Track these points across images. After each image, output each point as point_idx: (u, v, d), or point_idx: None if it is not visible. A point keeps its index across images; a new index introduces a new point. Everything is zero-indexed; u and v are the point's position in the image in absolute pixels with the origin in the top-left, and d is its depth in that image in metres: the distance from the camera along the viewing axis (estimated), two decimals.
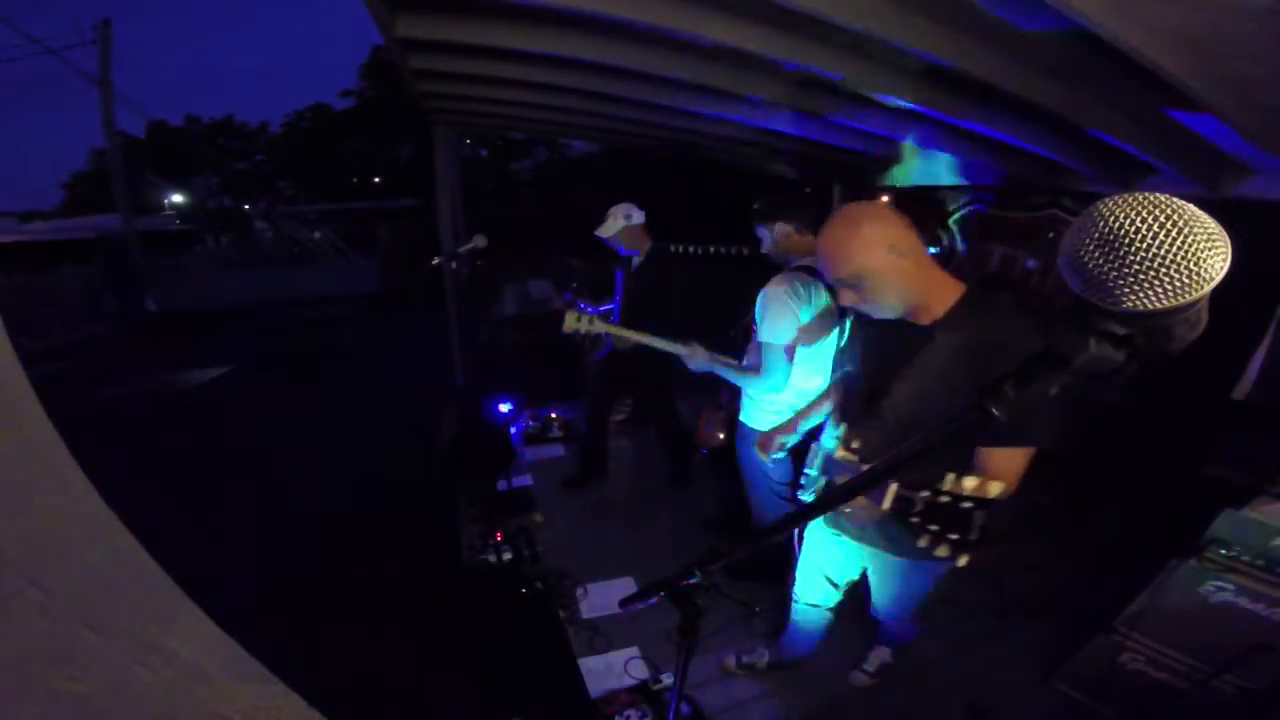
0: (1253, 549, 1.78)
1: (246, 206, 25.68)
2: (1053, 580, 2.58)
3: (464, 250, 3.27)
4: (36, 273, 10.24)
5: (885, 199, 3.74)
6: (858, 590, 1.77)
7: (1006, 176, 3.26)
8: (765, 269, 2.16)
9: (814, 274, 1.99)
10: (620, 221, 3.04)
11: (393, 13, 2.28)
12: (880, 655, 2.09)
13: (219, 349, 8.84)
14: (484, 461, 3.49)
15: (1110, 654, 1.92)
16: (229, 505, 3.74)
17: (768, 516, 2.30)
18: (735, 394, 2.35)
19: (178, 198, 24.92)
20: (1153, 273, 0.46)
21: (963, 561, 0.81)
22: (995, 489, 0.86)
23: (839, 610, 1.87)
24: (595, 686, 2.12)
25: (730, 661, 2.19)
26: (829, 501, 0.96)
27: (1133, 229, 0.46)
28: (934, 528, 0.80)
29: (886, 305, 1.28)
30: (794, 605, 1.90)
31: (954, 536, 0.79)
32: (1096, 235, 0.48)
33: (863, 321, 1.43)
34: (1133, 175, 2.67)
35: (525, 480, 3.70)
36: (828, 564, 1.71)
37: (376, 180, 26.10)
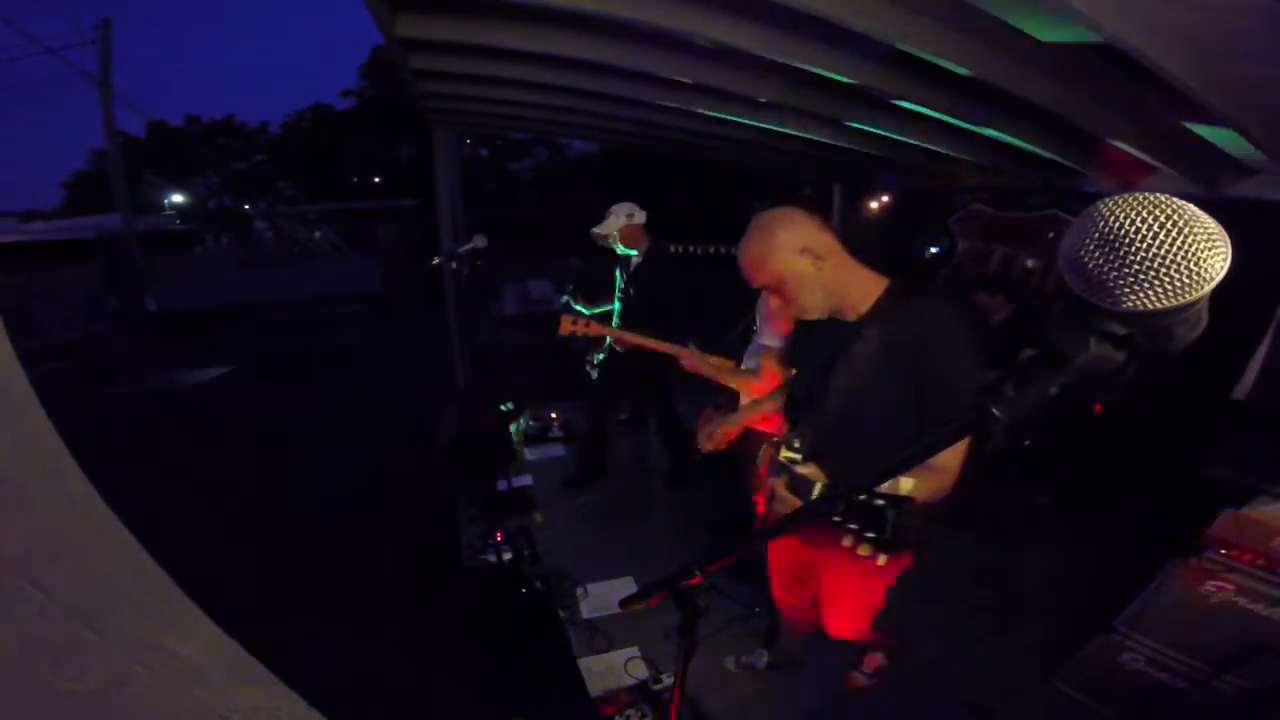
0: (1253, 549, 1.78)
1: (246, 206, 25.66)
2: (1053, 580, 2.57)
3: (464, 250, 3.27)
4: (36, 273, 10.24)
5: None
6: None
7: (1006, 176, 3.26)
8: None
9: None
10: (621, 219, 3.04)
11: (393, 13, 2.28)
12: (874, 660, 2.08)
13: (219, 349, 8.84)
14: (484, 461, 3.50)
15: (1110, 654, 1.92)
16: (229, 505, 3.73)
17: None
18: (734, 394, 2.35)
19: (178, 198, 24.90)
20: (1153, 273, 0.46)
21: (882, 561, 0.82)
22: (906, 486, 0.86)
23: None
24: (595, 686, 2.12)
25: (730, 662, 2.19)
26: (823, 506, 0.96)
27: (1133, 229, 0.46)
28: (854, 526, 0.81)
29: (811, 306, 1.31)
30: (777, 607, 1.91)
31: (870, 535, 0.79)
32: (1096, 235, 0.48)
33: (802, 322, 1.45)
34: (1132, 175, 2.67)
35: (525, 480, 3.70)
36: (792, 564, 1.72)
37: (376, 180, 26.10)
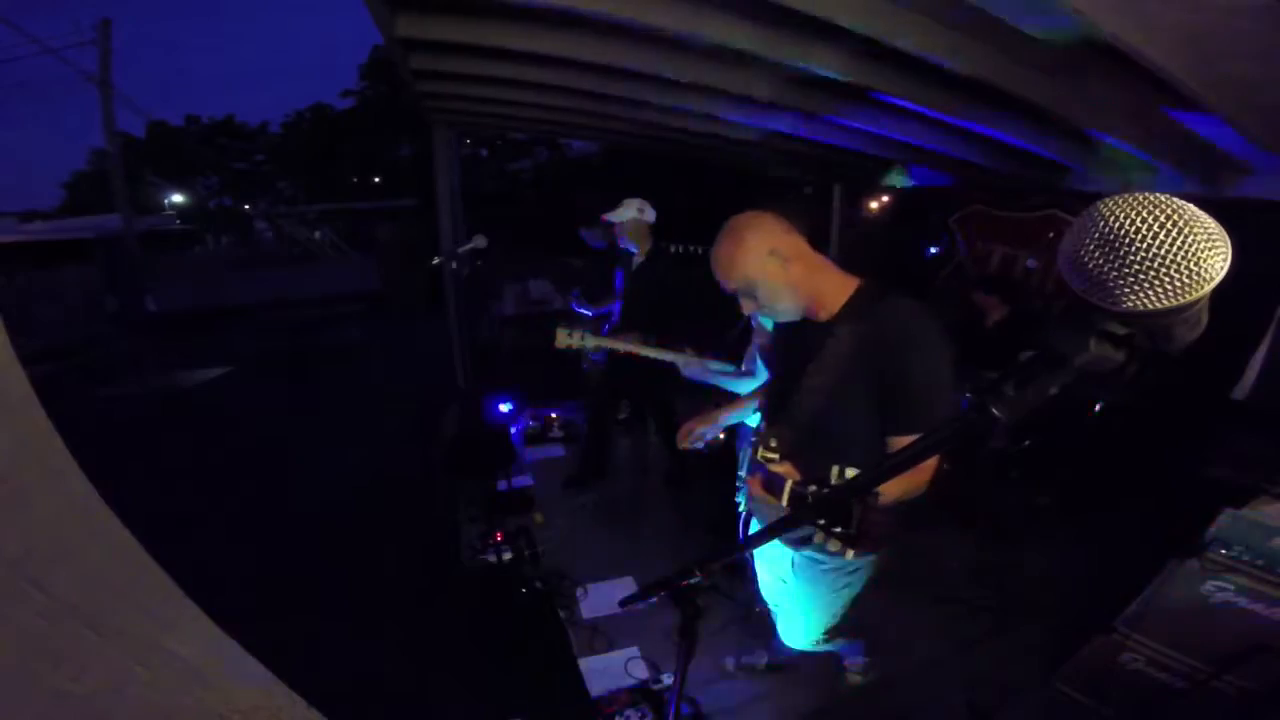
0: (1253, 549, 1.78)
1: (246, 206, 25.66)
2: (1053, 580, 2.57)
3: (464, 250, 3.28)
4: (36, 273, 10.24)
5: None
6: None
7: (1006, 176, 3.26)
8: None
9: None
10: (632, 212, 3.04)
11: (393, 13, 2.28)
12: (854, 663, 2.07)
13: (219, 349, 8.84)
14: (484, 461, 3.50)
15: (1110, 654, 1.92)
16: (229, 505, 3.73)
17: None
18: (734, 394, 2.35)
19: (178, 198, 24.88)
20: (1153, 273, 0.46)
21: (849, 555, 0.82)
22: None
23: None
24: (595, 686, 2.12)
25: (730, 662, 2.19)
26: (797, 511, 0.97)
27: (1133, 229, 0.46)
28: (822, 521, 0.81)
29: (782, 308, 1.34)
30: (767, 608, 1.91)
31: (837, 530, 0.80)
32: (1096, 235, 0.48)
33: (778, 324, 1.47)
34: (1133, 175, 2.67)
35: (525, 480, 3.70)
36: (774, 563, 1.72)
37: (376, 180, 26.08)
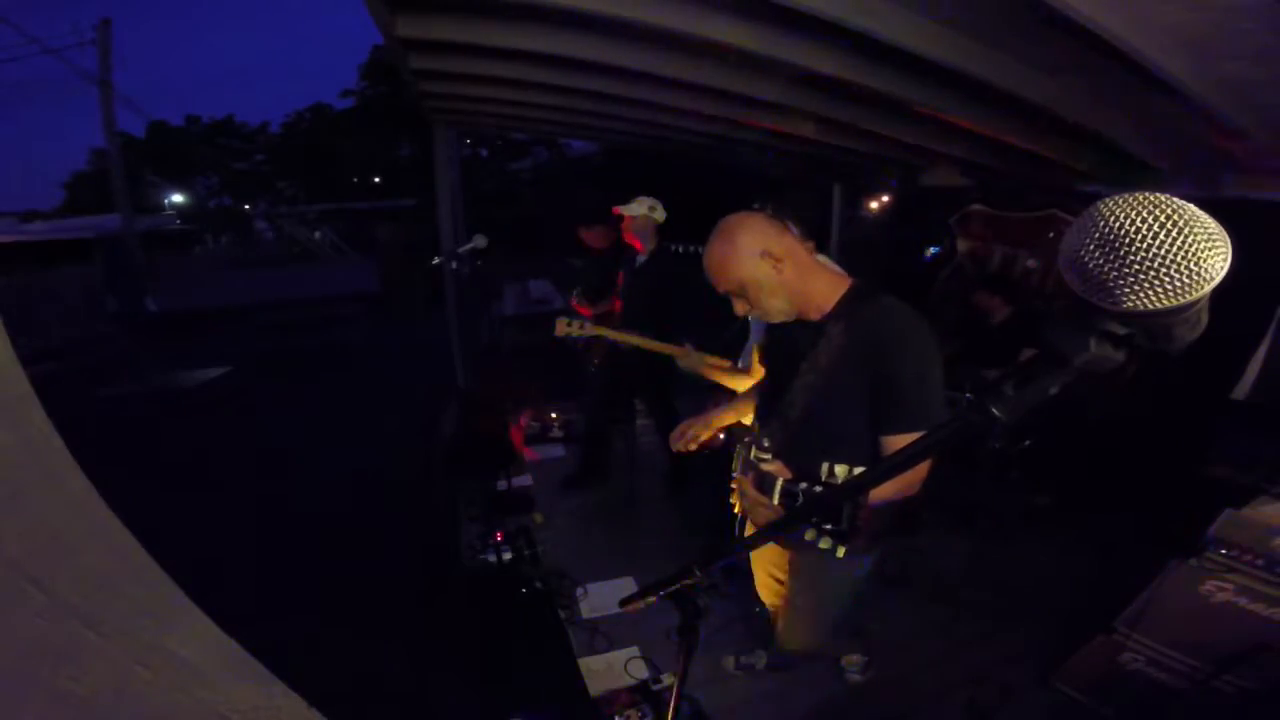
0: (1253, 549, 1.78)
1: (246, 206, 25.68)
2: (1053, 580, 2.57)
3: (464, 250, 3.28)
4: (36, 273, 10.24)
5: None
6: None
7: (1006, 176, 3.26)
8: None
9: None
10: (643, 209, 3.05)
11: (393, 13, 2.28)
12: (852, 660, 2.08)
13: (219, 349, 8.83)
14: (484, 461, 3.50)
15: (1110, 654, 1.92)
16: (229, 505, 3.73)
17: None
18: (734, 393, 2.35)
19: (178, 198, 24.91)
20: (1153, 273, 0.46)
21: (840, 553, 0.82)
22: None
23: None
24: (595, 686, 2.12)
25: (730, 662, 2.19)
26: (809, 505, 0.97)
27: (1133, 229, 0.46)
28: (814, 520, 0.81)
29: (775, 309, 1.33)
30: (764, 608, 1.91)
31: (828, 527, 0.80)
32: (1096, 235, 0.48)
33: (773, 325, 1.47)
34: (1133, 175, 2.67)
35: (525, 480, 3.70)
36: (770, 563, 1.73)
37: (376, 180, 26.11)
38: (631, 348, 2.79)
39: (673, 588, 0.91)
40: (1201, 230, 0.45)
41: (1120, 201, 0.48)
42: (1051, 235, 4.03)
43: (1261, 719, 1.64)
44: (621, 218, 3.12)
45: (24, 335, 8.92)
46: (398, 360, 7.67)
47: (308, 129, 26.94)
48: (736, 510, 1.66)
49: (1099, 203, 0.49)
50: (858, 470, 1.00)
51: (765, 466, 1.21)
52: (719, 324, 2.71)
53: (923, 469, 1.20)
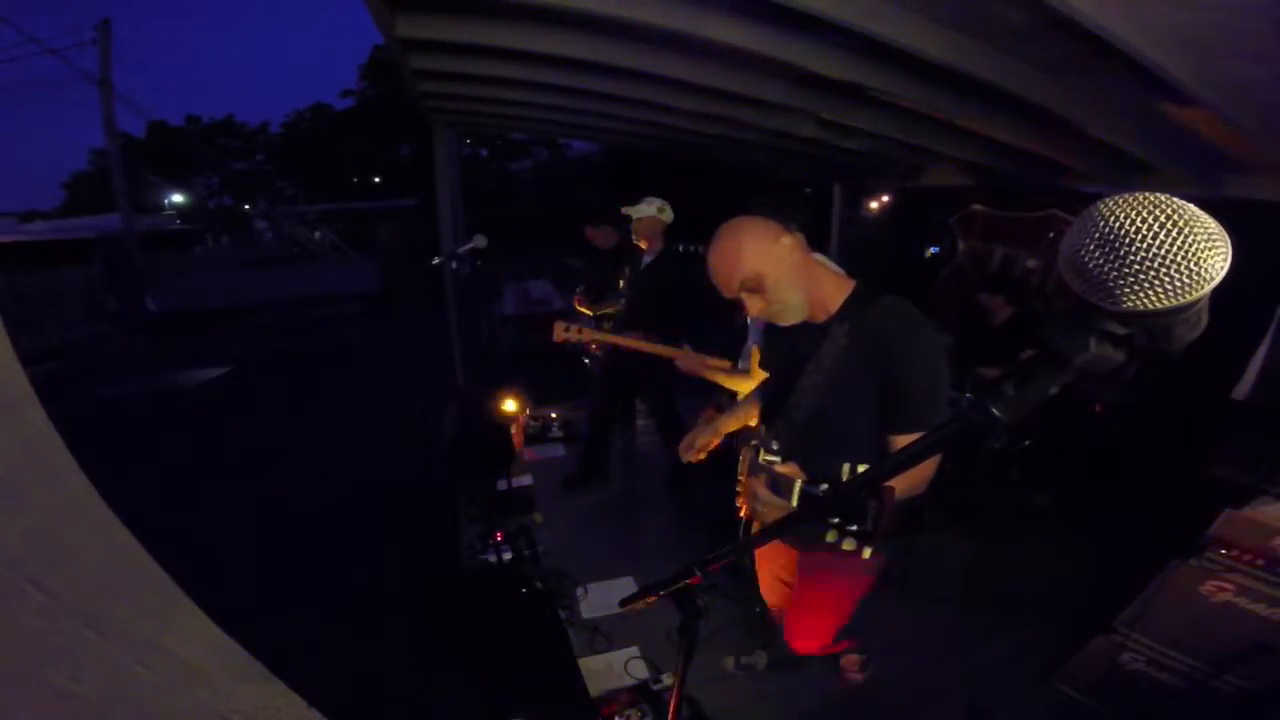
0: (1253, 549, 1.78)
1: (246, 206, 25.69)
2: (1053, 580, 2.58)
3: (464, 250, 3.28)
4: (36, 273, 10.23)
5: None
6: None
7: (1006, 176, 3.26)
8: None
9: None
10: (651, 210, 3.05)
11: (393, 13, 2.28)
12: (851, 658, 2.07)
13: (219, 349, 8.83)
14: (484, 461, 3.49)
15: (1110, 654, 1.92)
16: (229, 505, 3.73)
17: None
18: (734, 394, 2.35)
19: (178, 198, 24.92)
20: (1153, 273, 0.46)
21: (866, 554, 0.81)
22: None
23: None
24: (595, 686, 2.12)
25: (730, 662, 2.19)
26: (809, 507, 0.96)
27: (1133, 229, 0.46)
28: (835, 520, 0.80)
29: (792, 303, 1.30)
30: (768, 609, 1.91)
31: (853, 528, 0.79)
32: (1096, 235, 0.48)
33: (771, 328, 1.46)
34: (1133, 175, 2.67)
35: (525, 480, 3.70)
36: (778, 566, 1.72)
37: (376, 180, 26.13)
38: (630, 348, 2.80)
39: (673, 588, 0.91)
40: (1201, 230, 0.45)
41: (1120, 201, 0.48)
42: (1051, 235, 4.03)
43: (1261, 719, 1.64)
44: (629, 217, 3.12)
45: (24, 335, 8.92)
46: (398, 360, 7.66)
47: (308, 129, 26.97)
48: (743, 514, 1.65)
49: (1099, 203, 0.49)
50: (861, 469, 0.99)
51: (780, 469, 1.20)
52: (720, 325, 2.71)
53: (930, 468, 1.20)
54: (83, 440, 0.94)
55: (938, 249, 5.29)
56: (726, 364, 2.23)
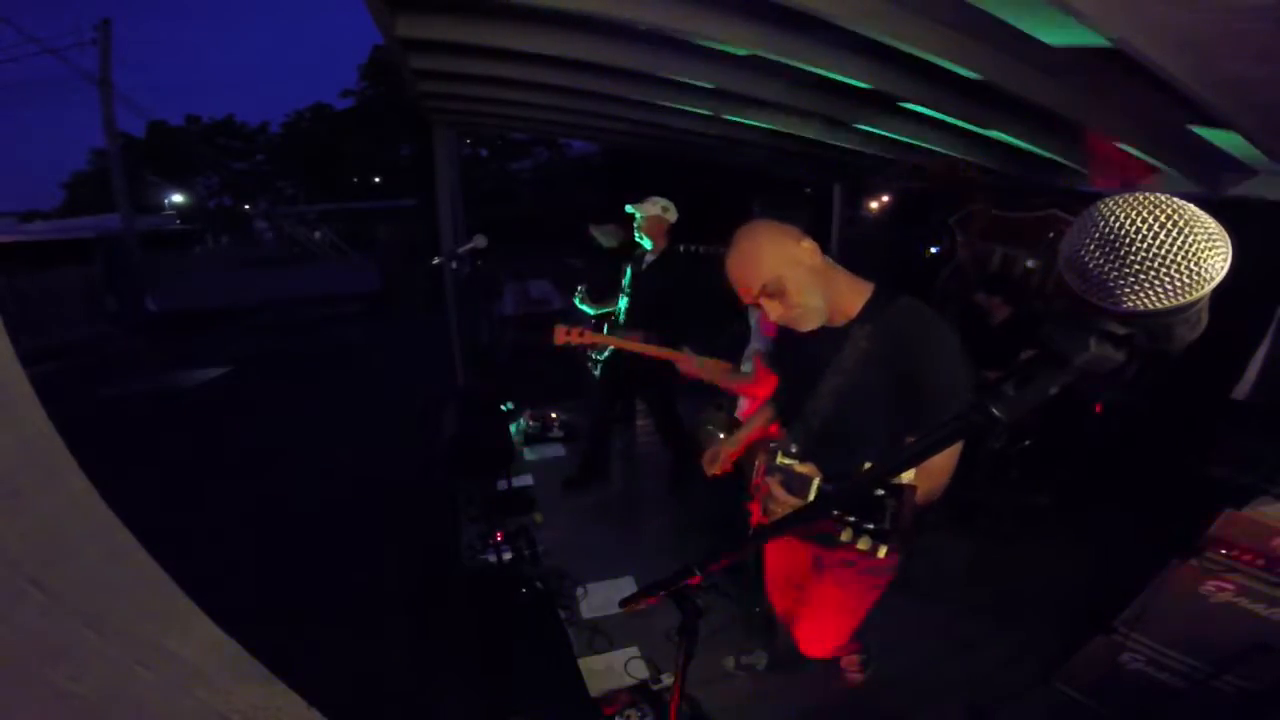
0: (1253, 549, 1.78)
1: (246, 206, 25.69)
2: (1053, 580, 2.57)
3: (464, 250, 3.27)
4: (37, 273, 10.23)
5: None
6: None
7: (1009, 177, 3.26)
8: None
9: None
10: (655, 209, 3.05)
11: (393, 13, 2.28)
12: (851, 659, 2.06)
13: (219, 349, 8.83)
14: (484, 461, 3.49)
15: (1110, 654, 1.92)
16: (229, 505, 3.73)
17: None
18: (735, 395, 2.36)
19: (178, 198, 24.91)
20: (1153, 273, 0.46)
21: (882, 553, 0.81)
22: (906, 475, 0.86)
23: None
24: (595, 686, 2.12)
25: (730, 662, 2.19)
26: (823, 502, 0.96)
27: (1133, 229, 0.46)
28: (852, 519, 0.80)
29: (813, 306, 1.29)
30: (772, 610, 1.90)
31: (870, 526, 0.79)
32: (1096, 235, 0.48)
33: (784, 331, 1.45)
34: (1132, 175, 2.67)
35: (525, 480, 3.70)
36: (788, 568, 1.72)
37: (376, 180, 26.14)
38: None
39: (673, 588, 0.91)
40: (1201, 230, 0.45)
41: (1120, 201, 0.48)
42: (1051, 235, 4.03)
43: (1261, 719, 1.64)
44: (632, 217, 3.12)
45: (24, 335, 8.92)
46: (398, 360, 7.66)
47: (308, 129, 26.97)
48: (755, 519, 1.64)
49: (1099, 203, 0.49)
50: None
51: (799, 469, 1.19)
52: (721, 325, 2.71)
53: (947, 472, 1.19)
54: (83, 440, 0.94)
55: (938, 249, 5.29)
56: (727, 366, 2.23)
